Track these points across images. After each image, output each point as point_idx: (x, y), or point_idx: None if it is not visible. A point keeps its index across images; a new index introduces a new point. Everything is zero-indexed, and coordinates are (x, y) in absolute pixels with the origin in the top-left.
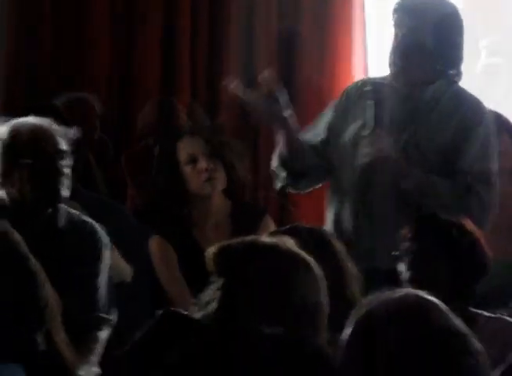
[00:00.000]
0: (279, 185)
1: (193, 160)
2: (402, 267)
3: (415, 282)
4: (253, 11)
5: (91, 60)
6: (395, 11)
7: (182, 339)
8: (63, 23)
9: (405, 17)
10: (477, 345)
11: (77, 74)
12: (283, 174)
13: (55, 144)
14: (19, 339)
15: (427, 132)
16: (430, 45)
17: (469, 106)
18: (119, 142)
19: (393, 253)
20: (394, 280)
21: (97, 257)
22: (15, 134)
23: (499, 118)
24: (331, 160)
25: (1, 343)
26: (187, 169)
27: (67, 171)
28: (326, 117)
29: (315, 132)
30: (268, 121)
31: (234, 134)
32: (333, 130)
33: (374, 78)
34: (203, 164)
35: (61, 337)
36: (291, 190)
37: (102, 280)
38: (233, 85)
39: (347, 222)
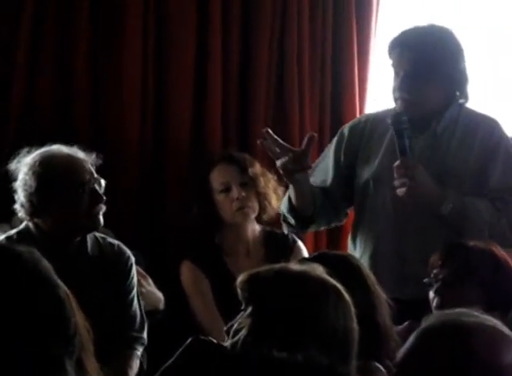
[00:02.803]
0: (286, 229)
1: (227, 189)
2: (431, 294)
3: (443, 309)
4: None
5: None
6: (393, 48)
7: (210, 367)
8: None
9: (405, 52)
10: None
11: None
12: (292, 221)
13: (90, 171)
14: (48, 368)
15: (453, 158)
16: (437, 75)
17: (485, 127)
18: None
19: (424, 280)
20: (422, 309)
21: (128, 276)
22: (48, 165)
23: None
24: (347, 199)
25: (30, 372)
26: (220, 197)
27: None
28: (331, 159)
29: (322, 177)
30: (289, 179)
31: (268, 164)
32: (348, 169)
33: (378, 113)
34: (235, 192)
35: (92, 365)
36: (300, 233)
37: (135, 299)
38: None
39: (380, 253)
